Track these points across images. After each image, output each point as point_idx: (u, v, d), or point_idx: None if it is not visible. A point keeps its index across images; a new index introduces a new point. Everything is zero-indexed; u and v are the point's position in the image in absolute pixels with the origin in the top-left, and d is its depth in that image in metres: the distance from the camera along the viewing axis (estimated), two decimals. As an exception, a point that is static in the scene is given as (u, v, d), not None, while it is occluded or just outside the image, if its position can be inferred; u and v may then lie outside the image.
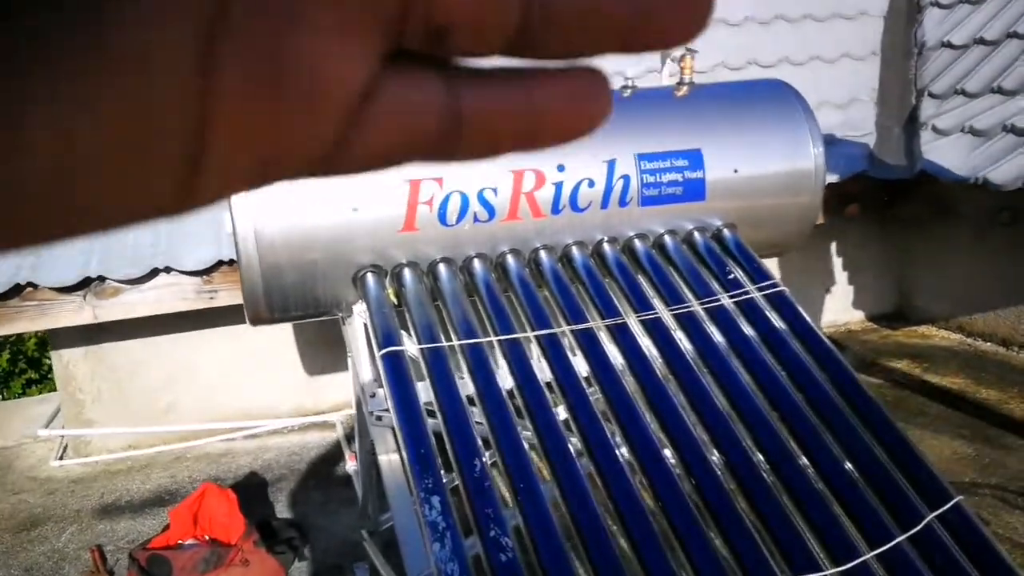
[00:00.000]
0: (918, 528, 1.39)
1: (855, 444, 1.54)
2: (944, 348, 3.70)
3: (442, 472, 1.43)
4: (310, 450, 3.13)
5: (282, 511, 2.63)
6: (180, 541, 2.18)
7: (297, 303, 1.81)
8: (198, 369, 3.34)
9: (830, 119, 3.72)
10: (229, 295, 2.89)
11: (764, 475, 1.48)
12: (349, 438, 3.15)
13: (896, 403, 3.10)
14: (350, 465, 2.85)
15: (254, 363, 3.39)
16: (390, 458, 1.74)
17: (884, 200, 3.53)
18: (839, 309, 4.07)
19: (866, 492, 1.45)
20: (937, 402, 3.11)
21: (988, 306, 3.66)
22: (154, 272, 2.80)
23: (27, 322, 2.78)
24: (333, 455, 3.07)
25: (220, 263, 2.83)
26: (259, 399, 3.42)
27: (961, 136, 3.39)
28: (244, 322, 3.34)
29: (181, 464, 3.13)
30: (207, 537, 2.20)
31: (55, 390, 3.58)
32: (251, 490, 2.44)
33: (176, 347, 3.30)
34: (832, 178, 3.37)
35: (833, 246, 4.03)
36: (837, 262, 4.06)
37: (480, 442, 1.48)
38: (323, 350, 3.45)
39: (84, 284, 2.78)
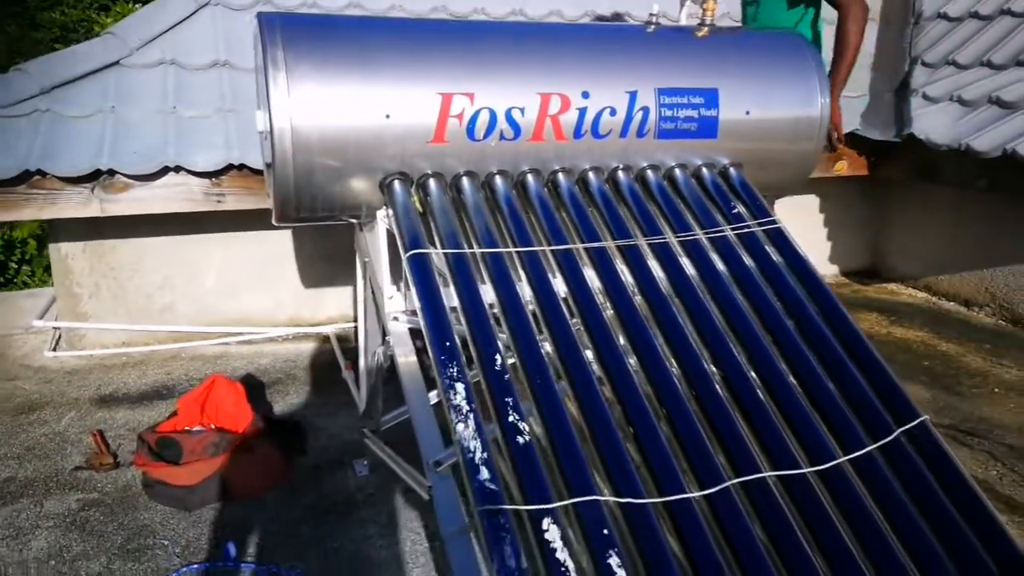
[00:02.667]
0: (887, 440, 1.55)
1: (838, 366, 1.69)
2: (910, 305, 3.90)
3: (466, 368, 1.54)
4: (305, 358, 3.24)
5: (280, 411, 2.73)
6: (187, 428, 2.29)
7: (324, 203, 1.89)
8: (197, 273, 3.40)
9: (826, 78, 3.82)
10: (237, 200, 2.94)
11: (756, 389, 1.63)
12: (344, 350, 3.25)
13: (863, 352, 3.29)
14: (346, 373, 2.96)
15: (253, 272, 3.46)
16: (407, 357, 1.84)
17: (871, 160, 3.68)
18: (816, 263, 4.21)
19: (845, 408, 1.61)
20: (902, 353, 3.30)
21: (955, 268, 3.85)
22: (164, 170, 2.84)
23: (34, 210, 2.81)
24: (328, 364, 3.17)
25: (230, 167, 2.88)
26: (255, 307, 3.49)
27: (949, 105, 3.52)
28: (247, 230, 3.41)
29: (176, 363, 3.21)
30: (213, 426, 2.31)
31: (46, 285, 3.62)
32: (249, 390, 2.52)
33: (176, 250, 3.35)
34: (824, 134, 3.49)
35: (817, 202, 4.18)
36: (819, 217, 4.22)
37: (499, 341, 1.60)
38: (321, 264, 3.53)
39: (93, 177, 2.82)
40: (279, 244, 3.47)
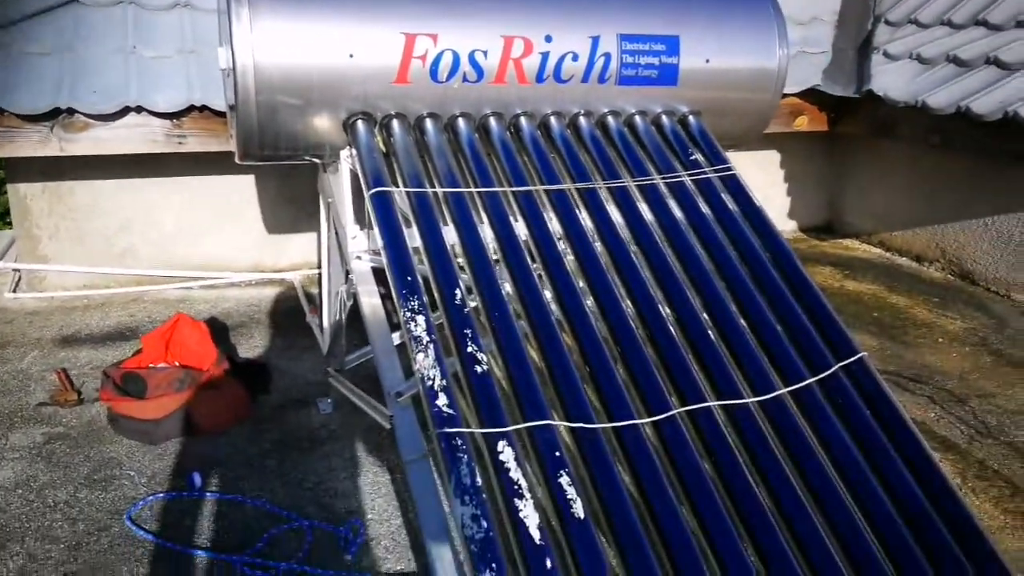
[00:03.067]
0: (826, 374, 1.63)
1: (785, 307, 1.76)
2: (864, 260, 4.01)
3: (427, 303, 1.59)
4: (268, 303, 3.26)
5: (244, 353, 2.76)
6: (152, 365, 2.31)
7: (287, 142, 1.91)
8: (158, 216, 3.39)
9: (790, 35, 3.86)
10: (199, 142, 2.93)
11: (708, 329, 1.70)
12: (308, 296, 3.28)
13: (816, 303, 3.41)
14: (310, 317, 2.99)
15: (215, 217, 3.45)
16: (370, 296, 1.88)
17: (831, 116, 3.75)
18: (775, 218, 4.30)
19: (789, 345, 1.68)
20: (853, 304, 3.42)
21: (908, 224, 3.97)
22: (125, 110, 2.82)
23: (-8, 148, 2.78)
24: (291, 308, 3.20)
25: (191, 108, 2.86)
26: (218, 252, 3.49)
27: (908, 63, 3.60)
28: (209, 173, 3.40)
29: (138, 305, 3.22)
30: (177, 363, 2.34)
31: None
32: (213, 333, 2.55)
33: (137, 192, 3.33)
34: (786, 89, 3.55)
35: (778, 157, 4.26)
36: (779, 173, 4.30)
37: (459, 274, 1.64)
38: (283, 209, 3.53)
39: (52, 115, 2.78)
40: (242, 189, 3.46)
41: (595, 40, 1.99)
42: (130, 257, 3.41)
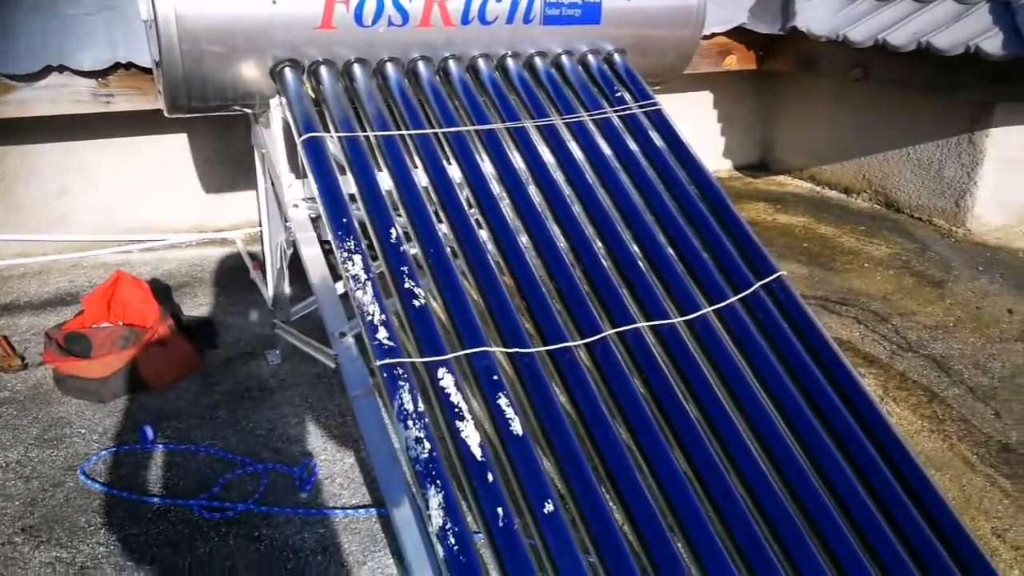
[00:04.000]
0: (747, 292, 1.73)
1: (705, 229, 1.85)
2: (796, 194, 4.15)
3: (364, 244, 1.63)
4: (211, 263, 3.25)
5: (189, 311, 2.77)
6: (94, 325, 2.32)
7: (215, 92, 1.92)
8: (93, 180, 3.33)
9: (718, -26, 3.94)
10: (127, 100, 2.89)
11: (637, 259, 1.77)
12: (251, 253, 3.28)
13: (749, 236, 3.54)
14: (254, 274, 3.01)
15: (152, 178, 3.41)
16: (309, 243, 1.90)
17: (759, 55, 3.84)
18: (710, 158, 4.43)
19: (713, 269, 1.77)
20: (784, 236, 3.55)
21: (835, 158, 4.11)
22: (47, 70, 2.75)
23: (-90, 115, 2.71)
24: (235, 266, 3.20)
25: (117, 65, 2.81)
26: (157, 214, 3.46)
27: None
28: (143, 134, 3.35)
29: (78, 271, 3.18)
30: (121, 322, 2.34)
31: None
32: (156, 293, 2.55)
33: (71, 156, 3.27)
34: (713, 28, 3.63)
35: (711, 98, 4.34)
36: (712, 113, 4.39)
37: (394, 216, 1.69)
38: (222, 169, 3.50)
39: (-28, 79, 2.71)
40: (177, 149, 3.42)
41: (518, -20, 2.02)
42: (67, 222, 3.36)
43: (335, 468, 1.93)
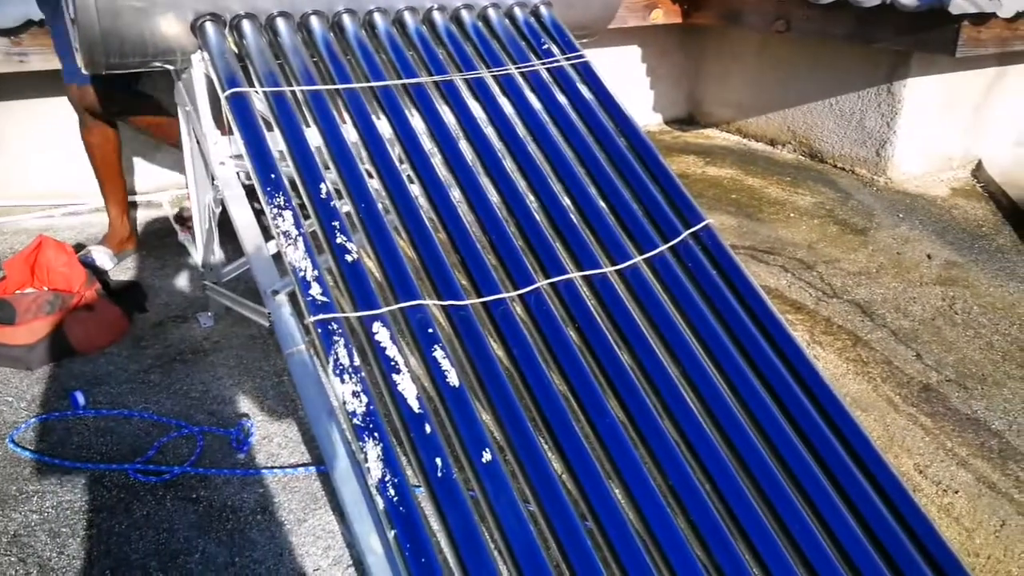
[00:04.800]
0: (676, 240, 1.78)
1: (635, 180, 1.89)
2: (723, 147, 4.23)
3: (293, 200, 1.61)
4: (138, 226, 3.16)
5: (117, 276, 2.70)
6: (18, 291, 2.24)
7: (134, 48, 1.85)
8: (9, 143, 3.19)
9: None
10: (41, 59, 2.76)
11: (569, 212, 1.80)
12: (177, 217, 3.19)
13: (680, 189, 3.61)
14: (182, 236, 2.94)
15: (71, 140, 3.27)
16: (237, 201, 1.87)
17: (684, 8, 3.87)
18: (639, 113, 4.48)
19: (642, 216, 1.81)
20: (712, 188, 3.62)
21: (761, 111, 4.20)
22: (-47, 28, 2.62)
23: None
24: (162, 229, 3.12)
25: (30, 23, 2.68)
26: (78, 178, 3.33)
27: (754, -50, 3.74)
28: (59, 95, 3.21)
29: (-2, 240, 3.07)
30: (46, 288, 2.28)
31: None
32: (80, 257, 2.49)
33: (-21, 119, 3.12)
34: (640, -18, 3.65)
35: (638, 52, 4.37)
36: (641, 68, 4.43)
37: (324, 173, 1.67)
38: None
39: None
40: (96, 109, 3.29)
41: (442, -69, 2.00)
42: (-21, 189, 3.22)
43: (272, 428, 1.93)
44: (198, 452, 1.84)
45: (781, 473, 1.42)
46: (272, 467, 1.80)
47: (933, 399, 2.15)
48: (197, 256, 2.58)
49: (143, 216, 3.29)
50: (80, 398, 1.98)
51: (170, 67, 1.98)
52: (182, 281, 2.66)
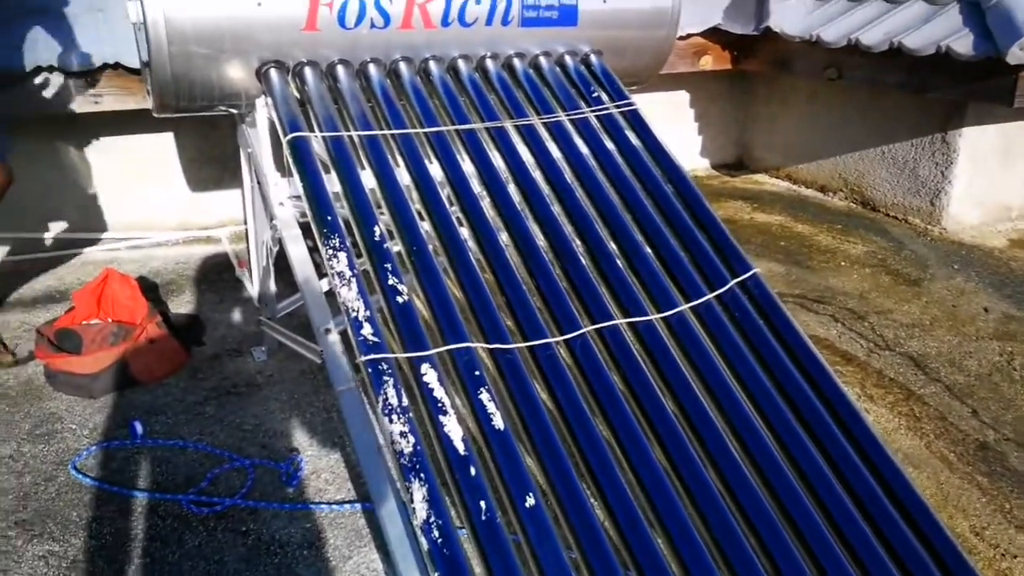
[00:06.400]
0: (722, 290, 1.78)
1: (681, 227, 1.90)
2: (773, 193, 4.22)
3: (348, 242, 1.67)
4: (197, 260, 3.28)
5: (176, 308, 2.80)
6: (85, 321, 2.34)
7: (203, 92, 1.96)
8: (81, 178, 3.35)
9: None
10: (115, 100, 2.91)
11: (615, 257, 1.82)
12: (236, 251, 3.30)
13: (728, 234, 3.61)
14: (240, 271, 3.03)
15: (138, 177, 3.43)
16: (295, 242, 1.93)
17: (734, 55, 3.90)
18: (688, 157, 4.49)
19: (688, 264, 1.82)
20: (761, 235, 3.61)
21: (813, 157, 4.18)
22: (38, 70, 2.78)
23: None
24: (221, 264, 3.23)
25: (105, 66, 2.83)
26: (143, 212, 3.48)
27: (807, 0, 3.76)
28: (130, 133, 3.37)
29: (67, 269, 3.20)
30: (110, 320, 2.37)
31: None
32: (143, 290, 2.58)
33: (58, 155, 3.28)
34: (689, 29, 3.69)
35: (687, 97, 4.40)
36: (689, 113, 4.45)
37: (377, 215, 1.73)
38: (206, 167, 3.52)
39: (-43, 79, 2.73)
40: (164, 148, 3.44)
41: (498, -15, 2.07)
42: (55, 220, 3.38)
43: (321, 463, 1.97)
44: (249, 485, 1.88)
45: (829, 530, 1.39)
46: (319, 503, 1.83)
47: (991, 458, 2.10)
48: (253, 292, 2.66)
49: (203, 251, 3.40)
50: (139, 428, 2.05)
51: (234, 110, 2.08)
52: (238, 316, 2.75)
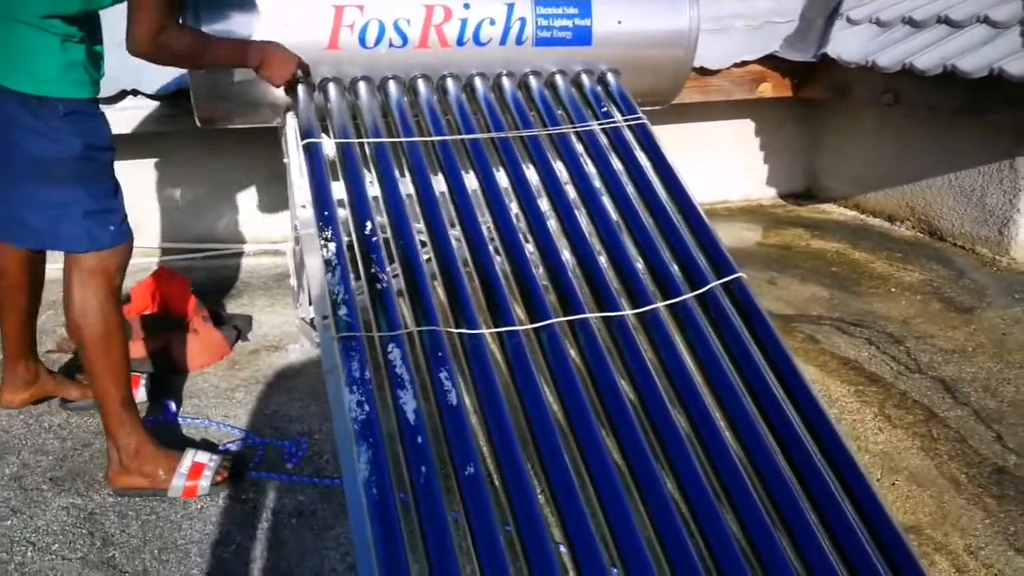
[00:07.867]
0: (703, 290, 1.82)
1: (672, 233, 1.95)
2: (837, 222, 4.13)
3: (342, 235, 1.82)
4: (262, 270, 3.53)
5: (232, 309, 3.04)
6: (138, 313, 2.60)
7: (239, 106, 2.17)
8: (161, 194, 3.69)
9: (760, 5, 4.04)
10: (191, 121, 3.20)
11: (603, 271, 1.88)
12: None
13: (778, 258, 3.56)
14: (292, 280, 3.26)
15: (215, 193, 3.74)
16: (310, 240, 2.10)
17: (794, 82, 3.88)
18: (754, 186, 4.46)
19: (671, 263, 1.87)
20: (814, 260, 3.55)
21: (879, 186, 4.07)
22: (122, 94, 3.11)
23: None
24: (281, 274, 3.47)
25: (183, 89, 3.14)
26: (218, 226, 3.78)
27: (868, 26, 3.72)
28: (207, 154, 3.66)
29: (145, 275, 3.51)
30: (160, 312, 2.62)
31: None
32: (206, 296, 2.83)
33: (140, 172, 3.63)
34: (746, 56, 3.72)
35: (752, 126, 4.39)
36: (755, 142, 4.43)
37: (374, 214, 1.87)
38: (276, 185, 3.77)
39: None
40: (239, 167, 3.74)
41: (510, 6, 2.21)
42: (138, 232, 3.70)
43: (325, 446, 2.11)
44: (256, 460, 2.04)
45: (782, 534, 1.37)
46: (312, 477, 1.97)
47: (1005, 481, 2.02)
48: (293, 295, 2.86)
49: (269, 262, 3.66)
50: (171, 407, 2.25)
51: (272, 124, 2.29)
52: (283, 316, 2.95)
